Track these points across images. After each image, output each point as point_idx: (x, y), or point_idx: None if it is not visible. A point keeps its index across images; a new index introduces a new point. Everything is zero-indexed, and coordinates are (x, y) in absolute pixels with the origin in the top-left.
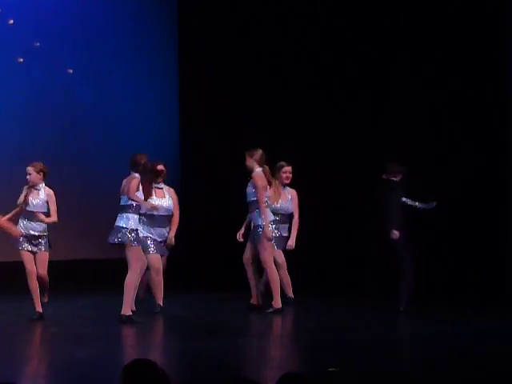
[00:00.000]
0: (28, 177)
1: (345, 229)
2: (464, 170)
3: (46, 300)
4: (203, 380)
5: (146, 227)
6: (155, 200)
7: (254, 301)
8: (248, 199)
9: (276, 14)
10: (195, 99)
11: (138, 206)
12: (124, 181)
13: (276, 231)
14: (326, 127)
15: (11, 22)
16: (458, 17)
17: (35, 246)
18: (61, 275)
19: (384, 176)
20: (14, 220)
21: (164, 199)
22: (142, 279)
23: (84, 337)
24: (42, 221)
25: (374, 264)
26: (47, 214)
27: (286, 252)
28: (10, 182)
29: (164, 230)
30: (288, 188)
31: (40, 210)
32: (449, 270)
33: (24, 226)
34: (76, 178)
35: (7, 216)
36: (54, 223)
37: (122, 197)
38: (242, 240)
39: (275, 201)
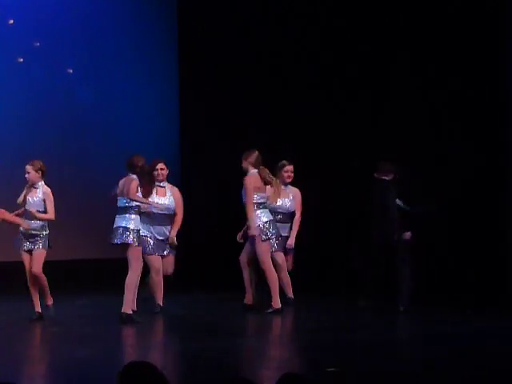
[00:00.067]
0: (27, 175)
1: (345, 229)
2: (464, 170)
3: (49, 303)
4: (203, 380)
5: (145, 225)
6: (155, 198)
7: (247, 301)
8: (243, 200)
9: (276, 13)
10: (195, 99)
11: (139, 207)
12: (121, 182)
13: (273, 231)
14: (325, 127)
15: (11, 22)
16: (458, 17)
17: (32, 244)
18: (61, 275)
19: (375, 175)
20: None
21: (164, 198)
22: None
23: (84, 337)
24: (35, 217)
25: (373, 264)
26: (44, 213)
27: (291, 252)
28: (10, 182)
29: (164, 229)
30: (290, 187)
31: (37, 209)
32: (449, 269)
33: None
34: (76, 178)
35: (11, 215)
36: (49, 220)
37: (120, 198)
38: (241, 241)
39: (274, 200)
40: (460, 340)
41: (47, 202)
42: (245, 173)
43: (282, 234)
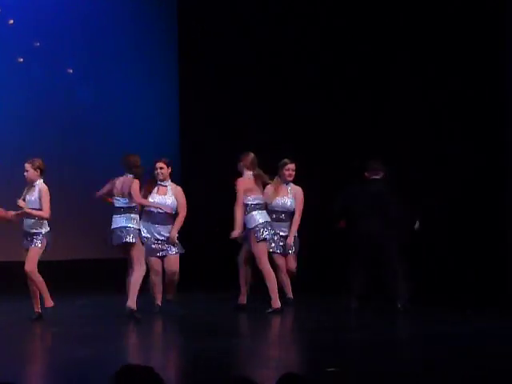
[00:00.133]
0: (25, 173)
1: (345, 229)
2: (464, 170)
3: (50, 304)
4: (203, 380)
5: (145, 225)
6: (155, 197)
7: (241, 301)
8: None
9: (276, 13)
10: (195, 99)
11: (139, 207)
12: (118, 182)
13: (269, 232)
14: (326, 127)
15: (11, 22)
16: (458, 17)
17: (30, 242)
18: (61, 275)
19: (366, 174)
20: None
21: (165, 197)
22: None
23: (84, 337)
24: (27, 212)
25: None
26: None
27: (292, 252)
28: (10, 182)
29: (161, 228)
30: (292, 185)
31: (33, 207)
32: (449, 269)
33: (24, 224)
34: (76, 178)
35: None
36: (42, 218)
37: (119, 198)
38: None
39: (273, 199)
40: (460, 340)
41: (42, 199)
42: (241, 175)
43: (281, 234)
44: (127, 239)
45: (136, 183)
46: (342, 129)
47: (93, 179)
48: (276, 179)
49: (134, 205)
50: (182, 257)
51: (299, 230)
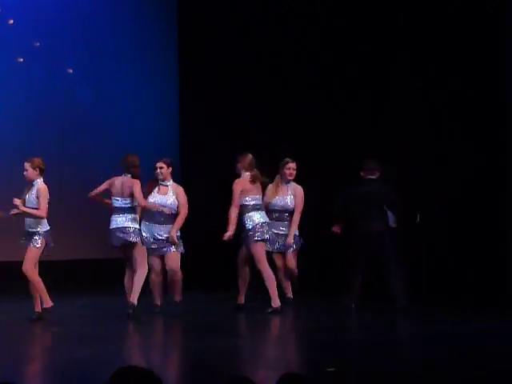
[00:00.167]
0: (25, 173)
1: (345, 229)
2: (464, 170)
3: (49, 305)
4: (203, 380)
5: (145, 224)
6: (156, 197)
7: (239, 301)
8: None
9: (276, 13)
10: (195, 99)
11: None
12: (117, 182)
13: (267, 233)
14: (325, 127)
15: (11, 22)
16: (458, 17)
17: (28, 241)
18: (61, 275)
19: (362, 174)
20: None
21: (166, 196)
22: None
23: (84, 337)
24: (21, 211)
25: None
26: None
27: (291, 251)
28: (10, 182)
29: (162, 228)
30: (293, 184)
31: (31, 206)
32: (449, 269)
33: (24, 223)
34: (76, 178)
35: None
36: (38, 217)
37: (119, 198)
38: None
39: (272, 198)
40: (460, 340)
41: (39, 198)
42: (239, 176)
43: (280, 232)
44: (129, 239)
45: (138, 185)
46: (342, 129)
47: (93, 179)
48: (277, 178)
49: (134, 205)
50: (182, 256)
51: (300, 229)
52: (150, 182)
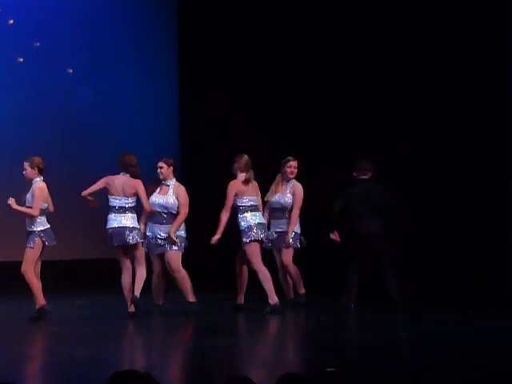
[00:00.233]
0: (24, 172)
1: (345, 228)
2: (464, 170)
3: (42, 303)
4: (203, 380)
5: (149, 223)
6: (156, 196)
7: (239, 301)
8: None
9: (276, 13)
10: (195, 99)
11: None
12: (117, 182)
13: (262, 234)
14: (325, 127)
15: (11, 21)
16: (458, 17)
17: (27, 241)
18: (61, 275)
19: (354, 174)
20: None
21: (165, 196)
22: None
23: (84, 337)
24: (18, 210)
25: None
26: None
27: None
28: (10, 182)
29: (163, 228)
30: (293, 182)
31: (28, 205)
32: (449, 269)
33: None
34: (76, 178)
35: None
36: (30, 216)
37: (120, 198)
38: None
39: (272, 196)
40: (460, 340)
41: (33, 197)
42: (236, 176)
43: (277, 230)
44: (134, 239)
45: (142, 186)
46: (342, 129)
47: (93, 179)
48: (278, 177)
49: (134, 204)
50: (182, 256)
51: (302, 228)
52: (153, 183)
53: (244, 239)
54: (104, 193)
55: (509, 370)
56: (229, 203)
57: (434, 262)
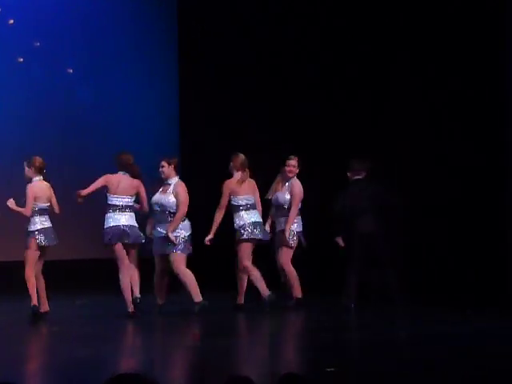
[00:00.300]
0: (24, 172)
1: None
2: (464, 170)
3: (34, 303)
4: (203, 380)
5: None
6: (157, 195)
7: (239, 300)
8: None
9: (276, 13)
10: (195, 99)
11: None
12: (121, 180)
13: (256, 233)
14: (325, 127)
15: (11, 21)
16: (458, 17)
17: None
18: (61, 275)
19: (348, 174)
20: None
21: (166, 195)
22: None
23: (84, 337)
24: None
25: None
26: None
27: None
28: (10, 182)
29: (164, 227)
30: (292, 180)
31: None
32: (449, 269)
33: None
34: (76, 178)
35: None
36: (22, 215)
37: (124, 197)
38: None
39: (272, 195)
40: (460, 340)
41: (26, 196)
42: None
43: (278, 229)
44: (141, 238)
45: (142, 187)
46: (342, 129)
47: (93, 179)
48: (278, 176)
49: (133, 203)
50: None
51: (304, 228)
52: (156, 182)
53: (236, 237)
54: (98, 192)
55: (509, 370)
56: (223, 202)
57: (434, 262)
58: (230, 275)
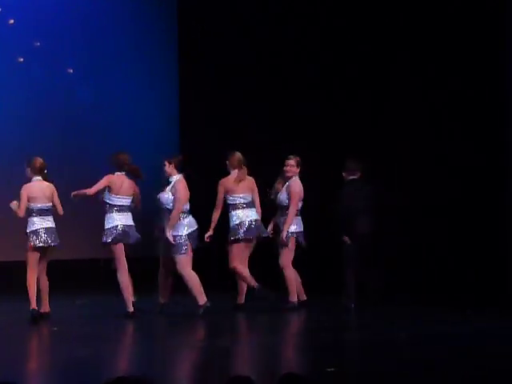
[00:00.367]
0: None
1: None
2: (464, 170)
3: (33, 307)
4: (203, 380)
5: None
6: (159, 194)
7: (239, 300)
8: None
9: (276, 13)
10: (195, 99)
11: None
12: (123, 180)
13: (248, 232)
14: (326, 127)
15: (11, 21)
16: (458, 17)
17: None
18: (61, 275)
19: (344, 174)
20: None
21: (165, 194)
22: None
23: (84, 337)
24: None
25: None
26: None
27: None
28: (10, 182)
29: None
30: (292, 180)
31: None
32: (449, 269)
33: None
34: (76, 178)
35: None
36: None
37: (125, 197)
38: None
39: (272, 195)
40: (460, 340)
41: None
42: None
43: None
44: (139, 238)
45: (137, 187)
46: (342, 129)
47: (93, 179)
48: (279, 176)
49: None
50: None
51: (305, 229)
52: (165, 182)
53: (228, 238)
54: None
55: (509, 370)
56: (219, 201)
57: (434, 262)
58: (230, 275)
